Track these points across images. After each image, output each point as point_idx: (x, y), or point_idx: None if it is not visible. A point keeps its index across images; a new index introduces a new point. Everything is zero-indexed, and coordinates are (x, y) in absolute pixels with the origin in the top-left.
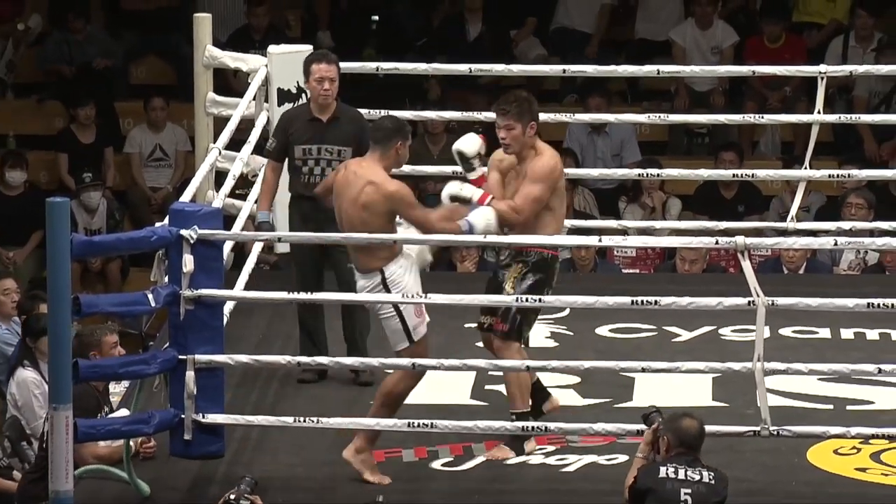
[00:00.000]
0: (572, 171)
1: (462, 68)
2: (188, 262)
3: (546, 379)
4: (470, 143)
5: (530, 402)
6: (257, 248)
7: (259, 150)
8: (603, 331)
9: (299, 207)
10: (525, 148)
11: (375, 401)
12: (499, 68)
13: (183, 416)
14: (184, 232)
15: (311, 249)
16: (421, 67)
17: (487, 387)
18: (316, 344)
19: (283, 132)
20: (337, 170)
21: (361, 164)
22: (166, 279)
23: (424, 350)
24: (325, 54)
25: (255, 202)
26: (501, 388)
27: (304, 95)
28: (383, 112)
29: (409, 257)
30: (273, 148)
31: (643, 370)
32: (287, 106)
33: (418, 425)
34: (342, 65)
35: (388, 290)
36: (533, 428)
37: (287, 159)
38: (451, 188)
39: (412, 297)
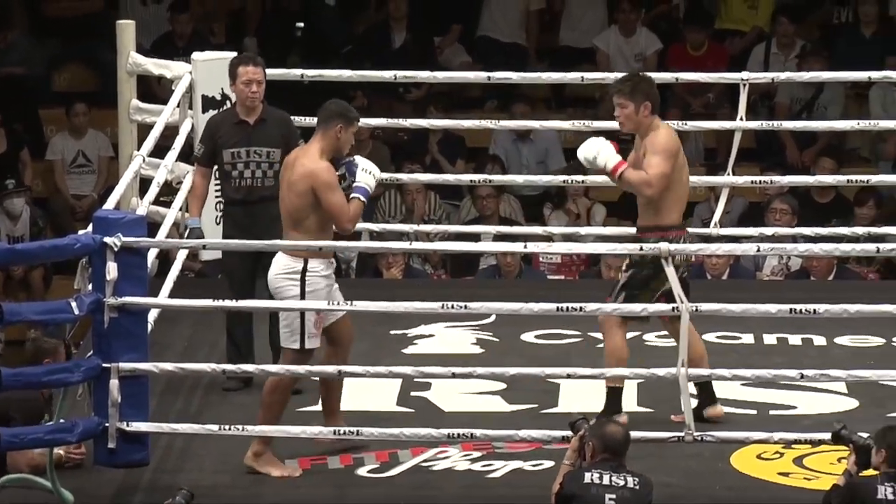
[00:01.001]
0: (497, 178)
1: (387, 75)
2: (112, 269)
3: (472, 385)
4: (588, 150)
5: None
6: (182, 255)
7: (184, 157)
8: (528, 337)
9: (231, 213)
10: (641, 127)
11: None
12: (423, 75)
13: (107, 424)
14: (107, 239)
15: (242, 256)
16: (346, 74)
17: (413, 393)
18: (242, 352)
19: (211, 137)
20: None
21: (301, 148)
22: (90, 287)
23: (307, 361)
24: (251, 57)
25: (181, 209)
26: (427, 394)
27: (228, 101)
28: (308, 119)
29: (331, 265)
30: (201, 153)
31: (568, 376)
32: (212, 112)
33: (344, 433)
34: (267, 71)
35: (303, 281)
36: (458, 435)
37: (216, 165)
38: (588, 151)
39: (326, 303)
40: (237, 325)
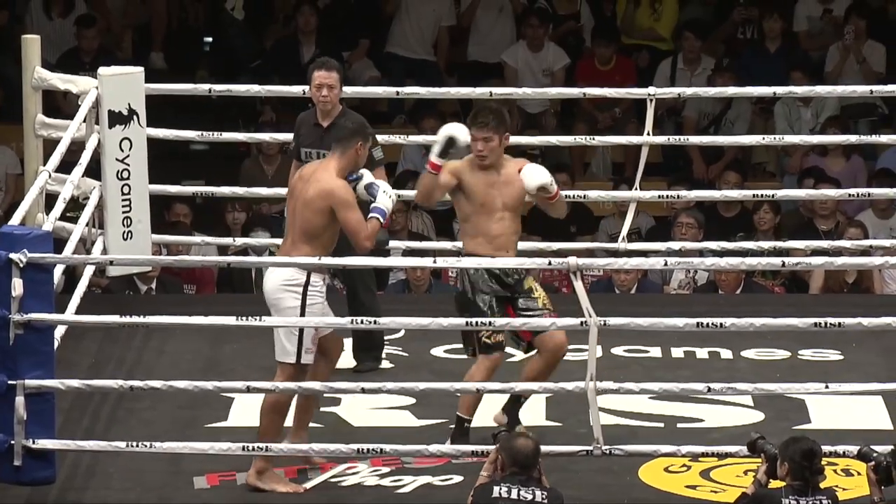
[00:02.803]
0: (407, 193)
1: (295, 90)
2: (17, 285)
3: (381, 400)
4: (461, 132)
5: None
6: (89, 271)
7: (90, 172)
8: (438, 352)
9: None
10: (498, 158)
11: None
12: None
13: (13, 441)
14: (13, 256)
15: None
16: (254, 89)
17: (323, 409)
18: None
19: (296, 134)
20: (295, 172)
21: (319, 164)
22: None
23: (302, 377)
24: (324, 62)
25: (87, 225)
26: (336, 409)
27: (135, 116)
28: (217, 134)
29: (325, 282)
30: (292, 148)
31: (478, 391)
32: (118, 128)
33: (254, 449)
34: (175, 86)
35: (304, 295)
36: (368, 450)
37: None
38: (543, 178)
39: (315, 314)
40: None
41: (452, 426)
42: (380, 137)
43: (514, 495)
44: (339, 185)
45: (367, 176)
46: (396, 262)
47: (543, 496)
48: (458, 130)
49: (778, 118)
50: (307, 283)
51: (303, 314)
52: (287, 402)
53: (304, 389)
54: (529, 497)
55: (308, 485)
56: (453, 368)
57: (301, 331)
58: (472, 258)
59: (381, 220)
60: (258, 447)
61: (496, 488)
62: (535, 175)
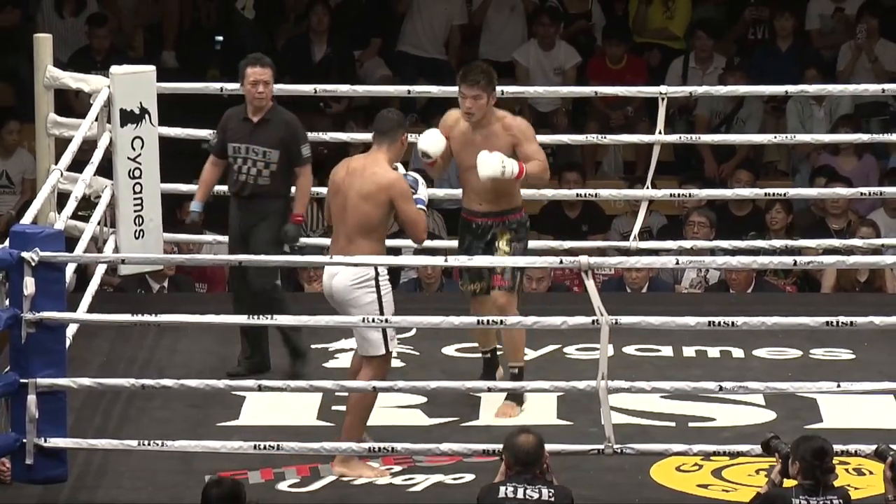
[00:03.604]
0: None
1: (307, 89)
2: (29, 284)
3: (393, 399)
4: (435, 144)
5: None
6: (100, 269)
7: (102, 171)
8: (449, 350)
9: (232, 203)
10: (484, 115)
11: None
12: (344, 89)
13: (24, 440)
14: (25, 254)
15: (234, 242)
16: None
17: (334, 407)
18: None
19: (222, 129)
20: (337, 169)
21: (367, 157)
22: (7, 302)
23: (390, 362)
24: (258, 58)
25: (99, 223)
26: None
27: (147, 115)
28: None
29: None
30: (214, 143)
31: (489, 390)
32: (130, 126)
33: (265, 447)
34: (186, 85)
35: (378, 287)
36: (380, 448)
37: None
38: (494, 170)
39: (390, 304)
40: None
41: (464, 424)
42: None
43: (520, 495)
44: (397, 176)
45: (399, 168)
46: (408, 260)
47: (550, 494)
48: (428, 143)
49: (790, 115)
50: (377, 277)
51: (381, 306)
52: (374, 397)
53: (314, 387)
54: (536, 496)
55: (320, 483)
56: (464, 367)
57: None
58: (482, 257)
59: (425, 210)
60: (269, 445)
61: (502, 488)
62: (486, 167)
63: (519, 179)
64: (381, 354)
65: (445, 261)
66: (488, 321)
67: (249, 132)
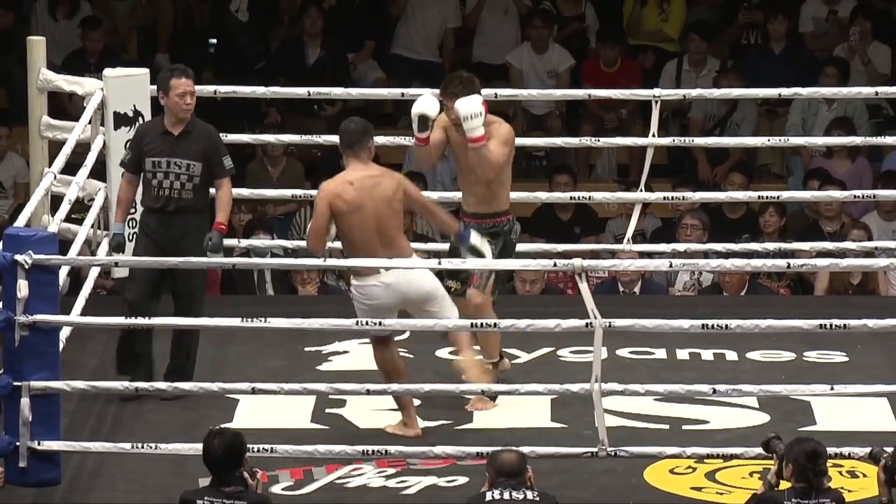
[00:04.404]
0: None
1: (301, 92)
2: (23, 287)
3: (387, 402)
4: (430, 106)
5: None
6: (94, 272)
7: (96, 174)
8: (443, 353)
9: (147, 221)
10: None
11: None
12: (337, 92)
13: (18, 443)
14: (18, 257)
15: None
16: (259, 91)
17: (328, 410)
18: (143, 364)
19: (137, 144)
20: (342, 190)
21: (360, 171)
22: (0, 305)
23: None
24: (183, 69)
25: (93, 226)
26: (341, 411)
27: (140, 118)
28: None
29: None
30: (128, 159)
31: (483, 392)
32: (124, 129)
33: (258, 450)
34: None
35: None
36: (373, 451)
37: (142, 172)
38: (473, 108)
39: None
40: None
41: (458, 427)
42: (385, 139)
43: (506, 496)
44: (400, 174)
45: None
46: (401, 263)
47: (535, 495)
48: (426, 106)
49: (793, 110)
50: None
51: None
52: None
53: (308, 390)
54: (521, 497)
55: (313, 486)
56: (458, 370)
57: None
58: (476, 259)
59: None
60: (262, 448)
61: (489, 493)
62: (466, 106)
63: (473, 145)
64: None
65: (439, 263)
66: (482, 324)
67: (170, 145)
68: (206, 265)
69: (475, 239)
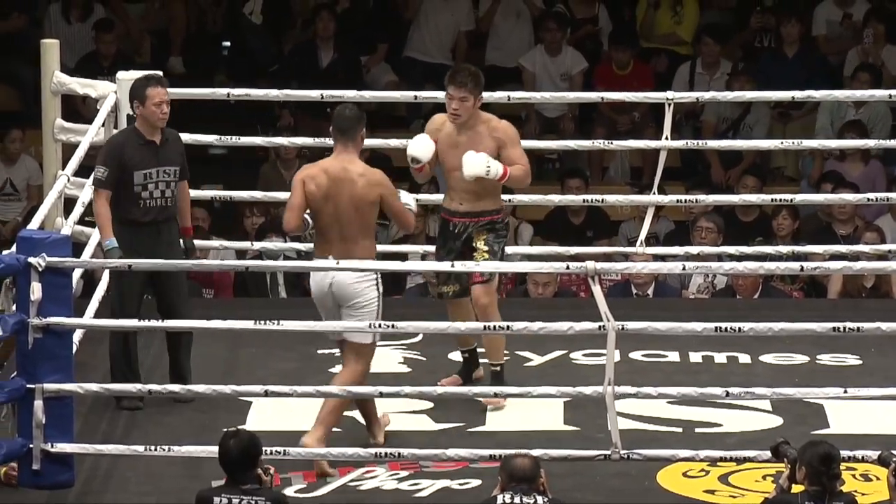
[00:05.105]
0: (425, 197)
1: (314, 94)
2: (36, 289)
3: (399, 404)
4: (424, 149)
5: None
6: (107, 275)
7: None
8: (455, 356)
9: (133, 236)
10: (470, 117)
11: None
12: (350, 94)
13: (31, 445)
14: (32, 259)
15: (137, 277)
16: (272, 94)
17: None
18: (133, 368)
19: (117, 159)
20: (314, 175)
21: (341, 160)
22: (14, 307)
23: (373, 355)
24: (159, 78)
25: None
26: (354, 413)
27: None
28: (235, 139)
29: None
30: (107, 177)
31: (495, 395)
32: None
33: (271, 452)
34: (193, 91)
35: (378, 282)
36: (386, 454)
37: (118, 187)
38: (478, 170)
39: (379, 302)
40: (123, 344)
41: (470, 430)
42: (398, 141)
43: (517, 501)
44: (382, 174)
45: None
46: (414, 266)
47: (545, 500)
48: (417, 149)
49: (822, 113)
50: (378, 275)
51: (380, 302)
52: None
53: (321, 393)
54: (531, 502)
55: (326, 489)
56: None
57: (378, 312)
58: (489, 262)
59: (412, 210)
60: (276, 451)
61: (500, 497)
62: (472, 166)
63: (502, 182)
64: (369, 343)
65: (452, 266)
66: (495, 327)
67: (155, 154)
68: (221, 268)
69: (406, 197)
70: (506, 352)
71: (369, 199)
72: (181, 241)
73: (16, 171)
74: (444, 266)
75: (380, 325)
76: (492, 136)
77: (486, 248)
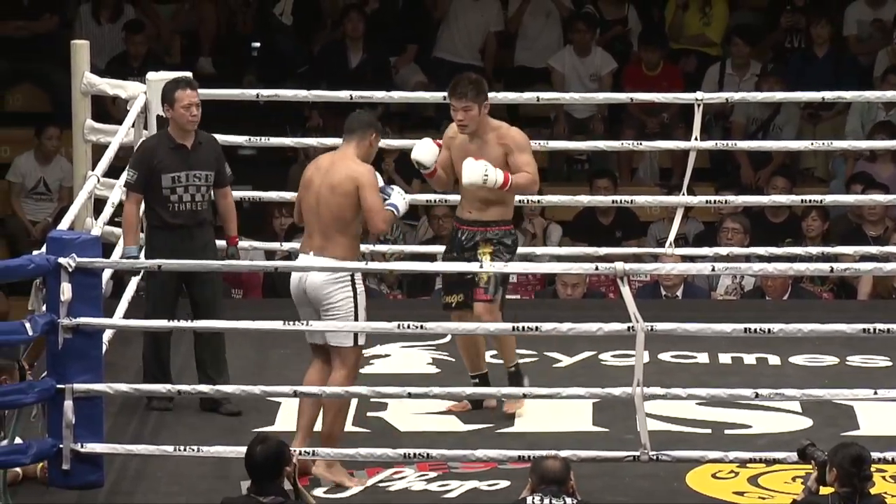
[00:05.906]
0: (453, 198)
1: (343, 95)
2: (66, 290)
3: (428, 405)
4: (427, 153)
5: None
6: (135, 278)
7: None
8: (486, 356)
9: (166, 238)
10: (479, 126)
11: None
12: (379, 95)
13: (61, 445)
14: (62, 260)
15: (171, 279)
16: (301, 94)
17: (369, 413)
18: (166, 371)
19: (146, 163)
20: (307, 168)
21: (335, 154)
22: (44, 308)
23: (361, 356)
24: (189, 81)
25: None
26: (383, 414)
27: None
28: (264, 139)
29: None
30: (136, 179)
31: (524, 396)
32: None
33: (299, 453)
34: (222, 91)
35: (353, 284)
36: (414, 455)
37: (149, 190)
38: (475, 177)
39: (363, 304)
40: (159, 347)
41: (499, 431)
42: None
43: (546, 502)
44: (366, 168)
45: (379, 179)
46: (443, 267)
47: (574, 502)
48: (421, 153)
49: (852, 115)
50: (353, 274)
51: (356, 304)
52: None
53: (350, 394)
54: (561, 503)
55: (354, 489)
56: (499, 374)
57: (357, 313)
58: (518, 263)
59: (396, 213)
60: (304, 451)
61: (529, 499)
62: (469, 174)
63: (504, 189)
64: (351, 347)
65: (481, 267)
66: (523, 328)
67: (187, 158)
68: (249, 269)
69: (396, 198)
70: (534, 352)
71: (344, 189)
72: (226, 249)
73: (50, 171)
74: (472, 267)
75: (408, 326)
76: (500, 143)
77: (489, 261)
